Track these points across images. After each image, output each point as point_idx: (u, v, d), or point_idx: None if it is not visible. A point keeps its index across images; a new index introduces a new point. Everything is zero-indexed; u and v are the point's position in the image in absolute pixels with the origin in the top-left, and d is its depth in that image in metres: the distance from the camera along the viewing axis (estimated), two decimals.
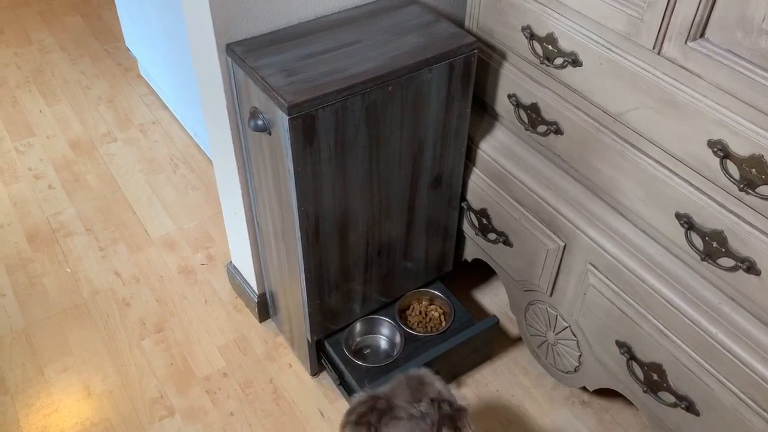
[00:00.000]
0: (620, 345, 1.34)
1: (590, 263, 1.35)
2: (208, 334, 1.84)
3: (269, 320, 1.86)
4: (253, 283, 1.79)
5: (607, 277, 1.32)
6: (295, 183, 1.27)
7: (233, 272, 1.90)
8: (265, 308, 1.84)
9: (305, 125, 1.20)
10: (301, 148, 1.23)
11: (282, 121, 1.20)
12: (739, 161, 1.03)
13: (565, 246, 1.40)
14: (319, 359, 1.70)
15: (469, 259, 1.76)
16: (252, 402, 1.69)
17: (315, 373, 1.73)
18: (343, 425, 1.23)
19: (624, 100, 1.18)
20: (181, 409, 1.67)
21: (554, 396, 1.70)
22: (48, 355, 1.78)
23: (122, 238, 2.10)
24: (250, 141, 1.40)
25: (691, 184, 1.13)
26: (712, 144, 1.06)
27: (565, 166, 1.39)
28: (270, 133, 1.28)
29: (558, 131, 1.35)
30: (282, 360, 1.78)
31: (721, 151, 1.04)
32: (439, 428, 1.22)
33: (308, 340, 1.62)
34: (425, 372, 1.30)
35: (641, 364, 1.31)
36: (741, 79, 0.97)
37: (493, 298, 1.91)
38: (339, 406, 1.67)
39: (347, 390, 1.63)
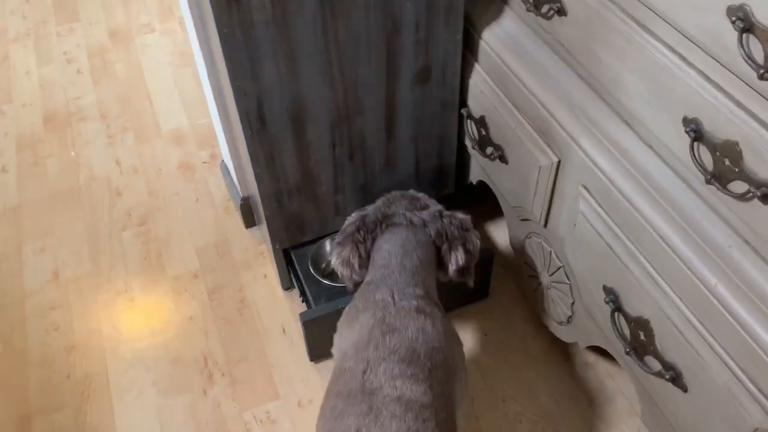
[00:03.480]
0: (607, 291, 1.06)
1: (582, 185, 1.06)
2: (190, 233, 1.71)
3: (256, 228, 1.71)
4: (238, 184, 1.63)
5: (598, 203, 1.03)
6: (223, 49, 1.07)
7: (224, 172, 1.75)
8: (250, 213, 1.68)
9: None
10: (224, 2, 1.02)
11: None
12: (765, 36, 0.71)
13: (559, 162, 1.11)
14: (290, 272, 1.52)
15: (474, 182, 1.50)
16: (215, 308, 1.55)
17: (287, 287, 1.56)
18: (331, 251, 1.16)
19: None
20: (142, 304, 1.56)
21: (552, 351, 1.43)
22: (31, 234, 1.73)
23: (133, 128, 2.01)
24: (197, 3, 1.21)
25: (704, 75, 0.81)
26: (732, 11, 0.73)
27: (569, 58, 1.09)
28: None
29: (561, 11, 1.04)
30: (258, 270, 1.62)
31: (743, 20, 0.72)
32: (450, 246, 1.11)
33: (272, 248, 1.45)
34: (423, 195, 1.19)
35: (628, 319, 1.02)
36: None
37: (505, 232, 1.64)
38: None
39: (308, 305, 1.45)
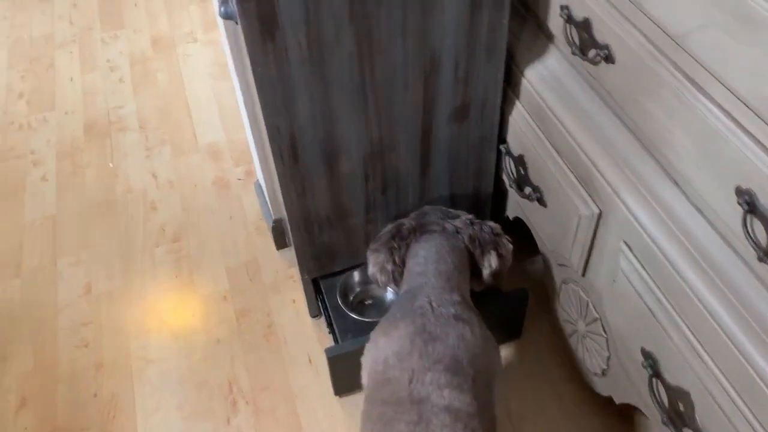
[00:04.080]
0: (645, 355, 1.00)
1: (624, 241, 1.01)
2: (222, 252, 1.71)
3: (287, 249, 1.69)
4: (270, 206, 1.61)
5: (639, 262, 0.98)
6: (257, 87, 1.04)
7: (259, 191, 1.73)
8: (282, 235, 1.66)
9: (262, 12, 0.96)
10: (259, 41, 0.99)
11: (236, 5, 0.97)
12: None
13: (600, 214, 1.06)
14: (318, 301, 1.50)
15: (511, 217, 1.45)
16: (243, 332, 1.54)
17: (315, 314, 1.54)
18: (367, 256, 1.20)
19: (688, 15, 0.81)
20: (170, 325, 1.56)
21: (586, 399, 1.38)
22: (66, 246, 1.74)
23: (170, 141, 2.01)
24: (234, 35, 1.19)
25: (761, 144, 0.76)
26: None
27: (615, 107, 1.04)
28: (237, 22, 1.05)
29: (609, 58, 0.99)
30: (287, 294, 1.61)
31: None
32: (483, 251, 1.15)
33: (301, 277, 1.43)
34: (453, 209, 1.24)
35: (666, 387, 0.97)
36: None
37: (538, 269, 1.58)
38: None
39: (335, 339, 1.42)
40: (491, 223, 1.20)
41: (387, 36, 1.06)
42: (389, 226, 1.20)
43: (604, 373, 1.20)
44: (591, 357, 1.23)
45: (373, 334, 1.07)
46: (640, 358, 1.02)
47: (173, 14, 2.50)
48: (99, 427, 1.40)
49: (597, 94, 1.09)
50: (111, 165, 1.95)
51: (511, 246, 1.20)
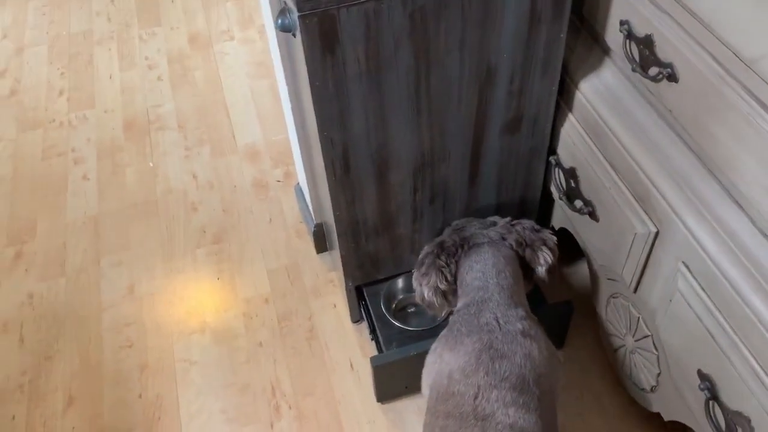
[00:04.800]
0: (702, 377, 0.99)
1: (683, 262, 1.00)
2: (262, 254, 1.72)
3: (326, 253, 1.70)
4: (312, 210, 1.62)
5: (700, 285, 0.97)
6: (314, 101, 1.04)
7: (299, 195, 1.74)
8: (322, 239, 1.67)
9: (323, 28, 0.96)
10: (318, 56, 0.99)
11: (297, 19, 0.97)
12: None
13: (657, 233, 1.05)
14: (361, 307, 1.51)
15: (556, 227, 1.44)
16: (284, 336, 1.55)
17: (356, 320, 1.55)
18: (415, 281, 1.17)
19: (764, 39, 0.80)
20: (213, 327, 1.58)
21: (631, 413, 1.37)
22: (108, 246, 1.77)
23: (209, 141, 2.02)
24: (289, 46, 1.19)
25: None
26: None
27: (676, 126, 1.02)
28: (294, 35, 1.05)
29: (672, 77, 0.98)
30: (328, 298, 1.61)
31: None
32: (533, 249, 1.15)
33: (345, 285, 1.43)
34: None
35: (724, 410, 0.96)
36: None
37: (581, 279, 1.58)
38: None
39: (378, 347, 1.43)
40: (527, 221, 1.19)
41: (445, 50, 1.05)
42: (428, 247, 1.17)
43: (653, 389, 1.20)
44: (640, 372, 1.22)
45: (436, 348, 1.07)
46: (696, 379, 1.01)
47: (210, 11, 2.50)
48: (144, 429, 1.42)
49: (656, 111, 1.07)
50: (151, 164, 1.97)
51: (554, 237, 1.19)
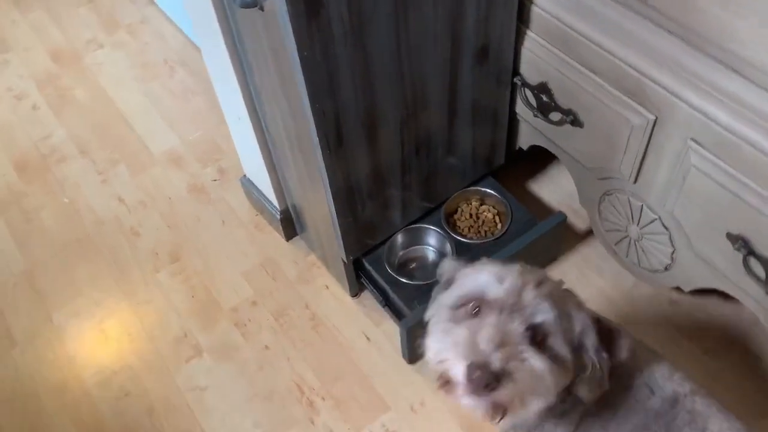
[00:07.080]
0: (733, 239, 1.07)
1: (692, 139, 1.05)
2: (229, 259, 1.61)
3: (297, 238, 1.63)
4: (273, 197, 1.53)
5: (716, 155, 1.02)
6: (303, 72, 0.97)
7: (249, 187, 1.64)
8: (290, 224, 1.59)
9: None
10: (304, 22, 0.92)
11: None
12: None
13: (656, 120, 1.10)
14: (358, 277, 1.47)
15: (525, 147, 1.47)
16: (288, 332, 1.48)
17: (355, 293, 1.51)
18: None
19: None
20: (209, 347, 1.47)
21: (635, 296, 1.45)
22: (55, 299, 1.58)
23: (122, 159, 1.85)
24: (240, 23, 1.10)
25: None
26: None
27: (653, 15, 1.06)
28: (262, 9, 0.97)
29: None
30: (317, 281, 1.55)
31: None
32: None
33: (344, 261, 1.38)
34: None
35: (763, 261, 1.04)
36: None
37: (553, 190, 1.63)
38: (386, 328, 1.46)
39: (394, 312, 1.40)
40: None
41: None
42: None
43: (667, 268, 1.27)
44: (651, 256, 1.29)
45: None
46: (725, 243, 1.08)
47: (63, 23, 2.25)
48: None
49: (626, 7, 1.10)
50: (66, 200, 1.77)
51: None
